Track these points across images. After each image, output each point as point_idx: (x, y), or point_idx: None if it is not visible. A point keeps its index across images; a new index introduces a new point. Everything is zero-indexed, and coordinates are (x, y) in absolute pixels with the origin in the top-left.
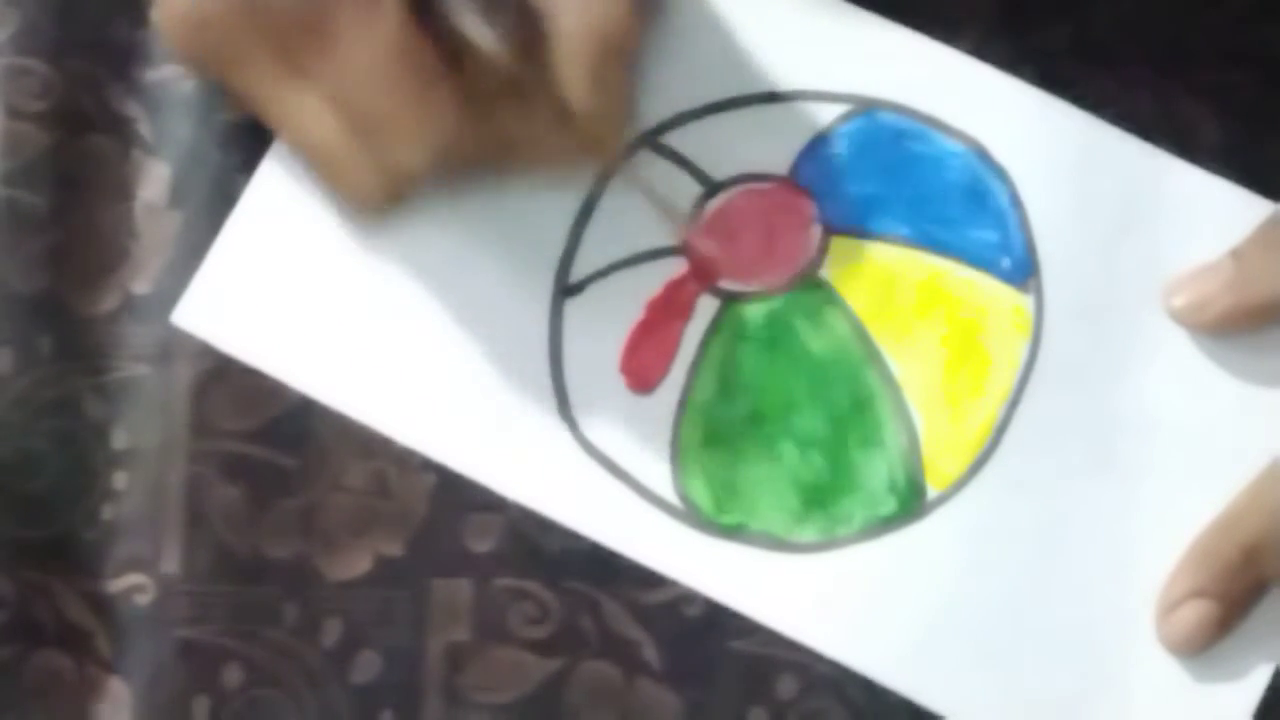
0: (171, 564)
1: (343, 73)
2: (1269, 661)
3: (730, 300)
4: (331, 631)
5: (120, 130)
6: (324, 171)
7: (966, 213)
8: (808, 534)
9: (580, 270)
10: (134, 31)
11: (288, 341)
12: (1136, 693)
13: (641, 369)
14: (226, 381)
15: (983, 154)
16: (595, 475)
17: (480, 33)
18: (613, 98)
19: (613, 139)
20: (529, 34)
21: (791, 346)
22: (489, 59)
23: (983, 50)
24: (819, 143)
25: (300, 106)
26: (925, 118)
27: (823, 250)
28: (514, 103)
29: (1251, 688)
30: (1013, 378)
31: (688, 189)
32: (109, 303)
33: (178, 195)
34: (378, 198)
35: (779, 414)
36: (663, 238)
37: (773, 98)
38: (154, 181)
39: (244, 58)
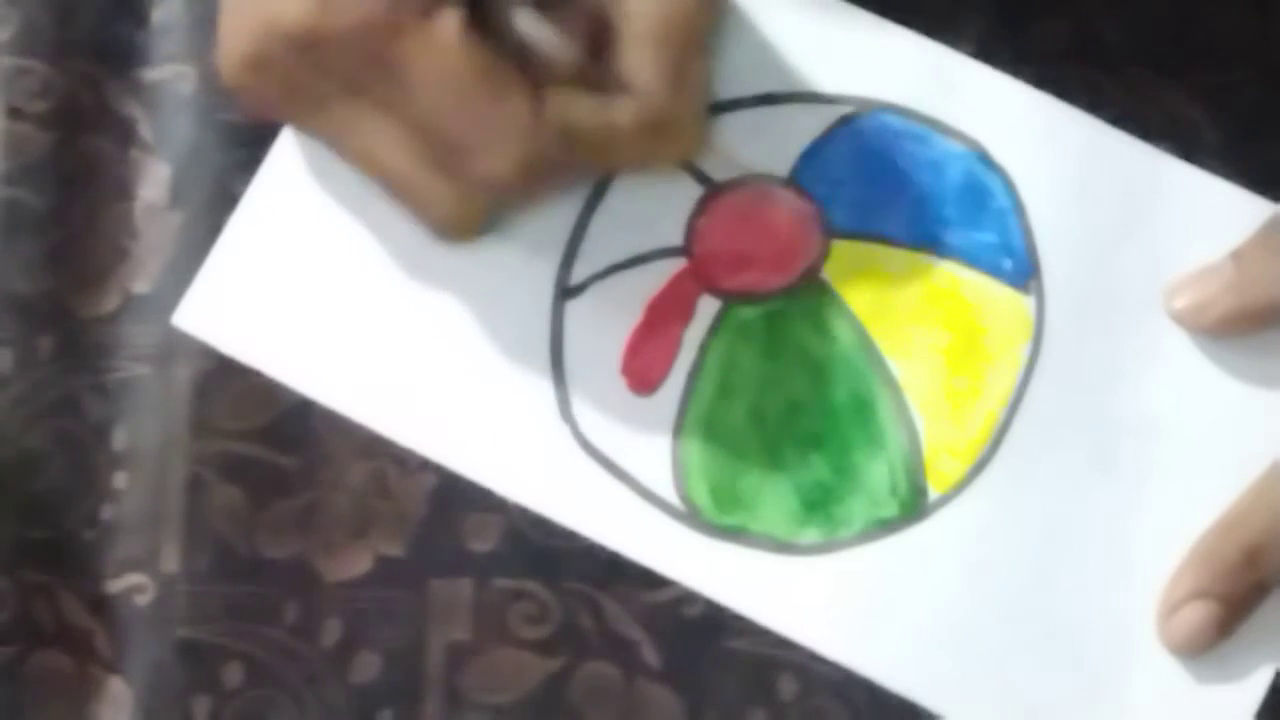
0: (171, 564)
1: (412, 97)
2: (1271, 662)
3: (731, 301)
4: (331, 631)
5: (120, 130)
6: (408, 200)
7: (967, 214)
8: (809, 536)
9: (581, 272)
10: (134, 31)
11: (289, 343)
12: (1138, 694)
13: (642, 370)
14: (226, 381)
15: (983, 155)
16: (596, 476)
17: (542, 35)
18: (688, 84)
19: (692, 129)
20: (594, 30)
21: (792, 348)
22: (556, 61)
23: (983, 51)
24: (820, 144)
25: (374, 137)
26: (926, 119)
27: (823, 252)
28: (589, 104)
29: (1253, 689)
30: (1014, 379)
31: (688, 190)
32: (109, 303)
33: (178, 195)
34: (466, 221)
35: (780, 415)
36: (663, 238)
37: (773, 99)
38: (154, 181)
39: (310, 95)
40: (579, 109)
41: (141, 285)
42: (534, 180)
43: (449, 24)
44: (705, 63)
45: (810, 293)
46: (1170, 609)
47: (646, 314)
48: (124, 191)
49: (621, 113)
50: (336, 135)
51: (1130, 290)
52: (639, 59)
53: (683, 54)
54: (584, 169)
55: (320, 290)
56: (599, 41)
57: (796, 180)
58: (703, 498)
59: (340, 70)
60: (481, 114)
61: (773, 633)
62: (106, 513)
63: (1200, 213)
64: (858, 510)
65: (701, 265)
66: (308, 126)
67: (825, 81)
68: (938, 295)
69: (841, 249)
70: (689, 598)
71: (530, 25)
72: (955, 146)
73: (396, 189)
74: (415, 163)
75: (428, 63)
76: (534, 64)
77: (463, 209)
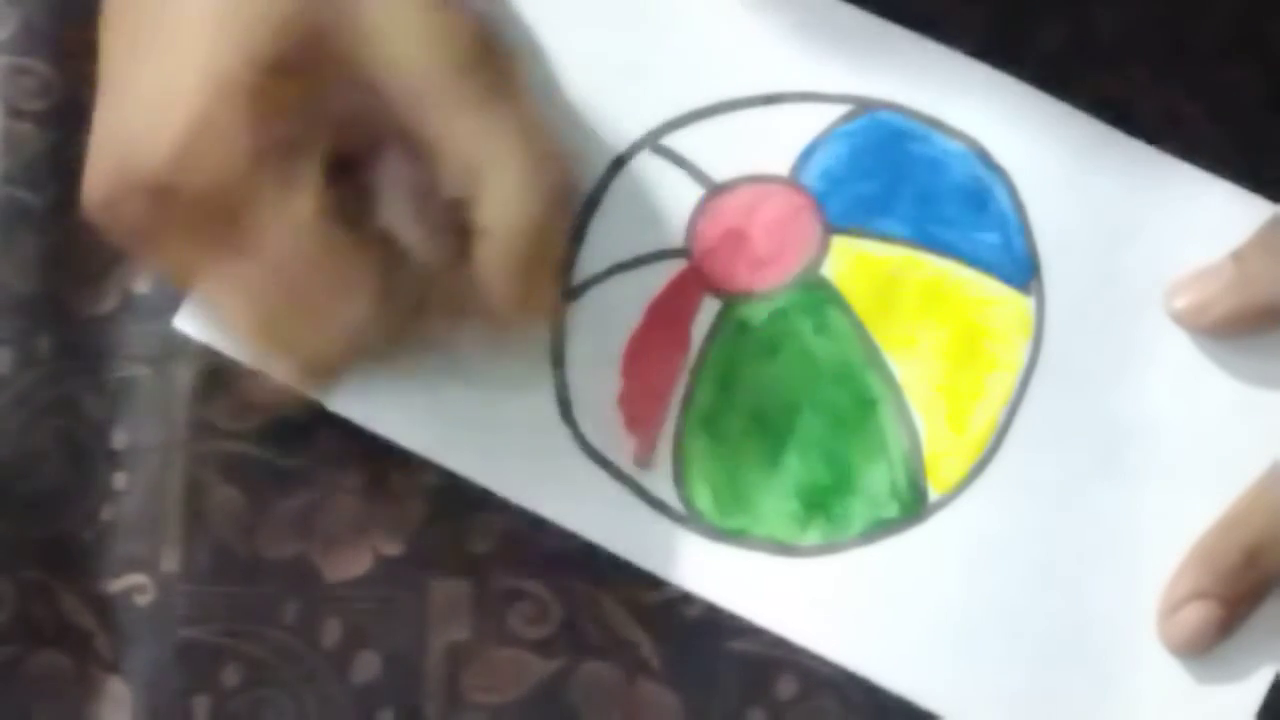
0: (171, 564)
1: (260, 256)
2: (1271, 663)
3: (731, 302)
4: (331, 631)
5: None
6: (265, 345)
7: (967, 214)
8: (810, 537)
9: (581, 273)
10: None
11: None
12: (1138, 694)
13: (644, 371)
14: (226, 382)
15: (983, 155)
16: (597, 479)
17: (409, 233)
18: (538, 289)
19: (531, 330)
20: (457, 227)
21: (793, 348)
22: (420, 259)
23: (983, 50)
24: (820, 144)
25: (223, 284)
26: (926, 118)
27: (824, 251)
28: (437, 288)
29: (1254, 689)
30: (1014, 380)
31: (688, 190)
32: (109, 303)
33: None
34: (306, 375)
35: (780, 416)
36: (664, 239)
37: (773, 99)
38: None
39: (162, 239)
40: (443, 253)
41: (141, 285)
42: (367, 351)
43: (306, 203)
44: (566, 213)
45: (811, 293)
46: (1170, 609)
47: (647, 315)
48: None
49: (485, 258)
50: (189, 280)
51: (1130, 290)
52: (489, 263)
53: (532, 261)
54: (451, 325)
55: None
56: (467, 188)
57: (796, 180)
58: (704, 500)
59: (194, 221)
60: (320, 285)
61: (773, 633)
62: (106, 513)
63: (1200, 213)
64: (858, 511)
65: (702, 266)
66: (160, 267)
67: (825, 81)
68: (938, 295)
69: (842, 249)
70: (689, 598)
71: (397, 216)
72: (955, 146)
73: (254, 337)
74: (271, 313)
75: (280, 232)
76: (403, 212)
77: (319, 360)
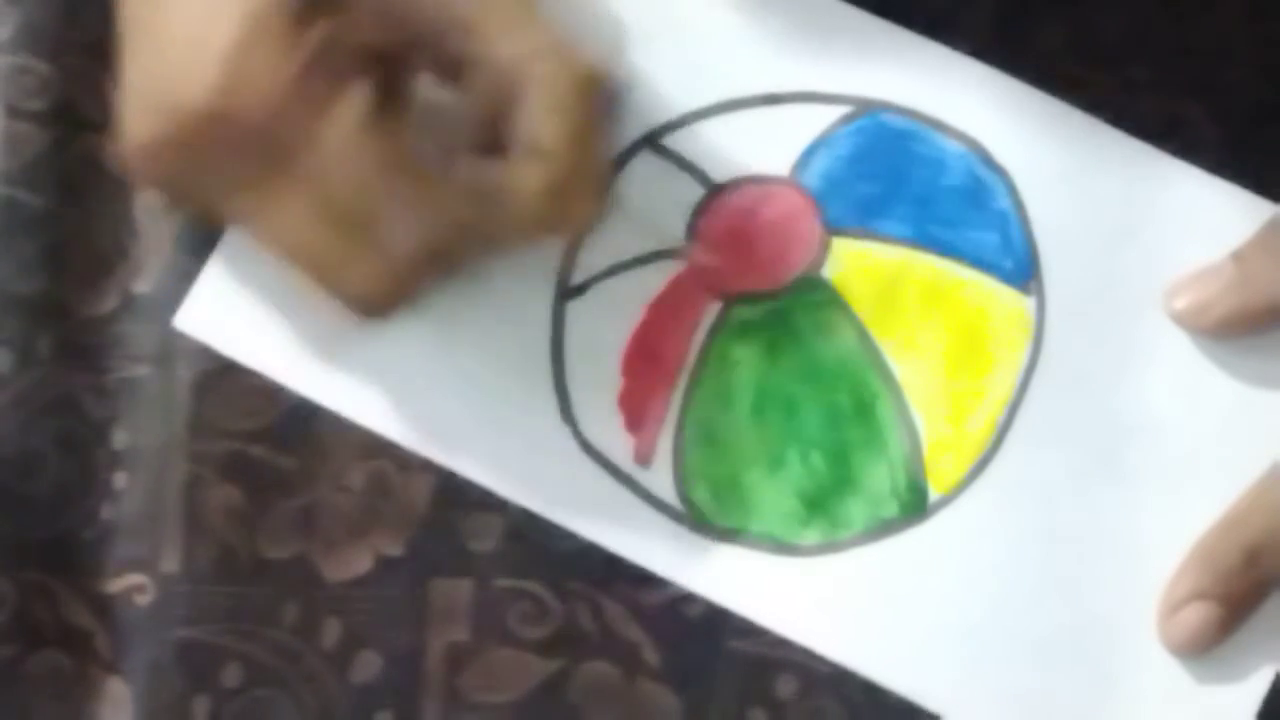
0: (171, 564)
1: (316, 174)
2: (1271, 663)
3: (732, 301)
4: (331, 631)
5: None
6: (320, 277)
7: (968, 214)
8: (810, 536)
9: (582, 272)
10: None
11: (290, 345)
12: (1138, 694)
13: (644, 371)
14: (226, 382)
15: (984, 155)
16: (597, 477)
17: (444, 100)
18: (589, 149)
19: (593, 192)
20: (499, 96)
21: (793, 348)
22: (459, 124)
23: (983, 51)
24: (820, 144)
25: (282, 216)
26: (926, 119)
27: (824, 252)
28: (493, 170)
29: (1254, 689)
30: (1014, 379)
31: (689, 190)
32: (109, 303)
33: None
34: (380, 297)
35: (780, 415)
36: (664, 239)
37: (774, 99)
38: None
39: (215, 177)
40: (484, 174)
41: (141, 285)
42: (441, 258)
43: (353, 108)
44: (606, 127)
45: (811, 293)
46: (1170, 609)
47: (647, 314)
48: (124, 191)
49: (525, 176)
50: (245, 218)
51: (1130, 290)
52: (541, 122)
53: (584, 118)
54: (492, 245)
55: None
56: (503, 107)
57: (797, 180)
58: (703, 499)
59: (244, 152)
60: (384, 190)
61: (773, 633)
62: (106, 513)
63: (1200, 213)
64: (858, 510)
65: (702, 265)
66: (215, 210)
67: (826, 81)
68: (938, 295)
69: (842, 249)
70: (689, 598)
71: (432, 90)
72: (955, 146)
73: (309, 267)
74: (323, 239)
75: (331, 145)
76: (440, 133)
77: (376, 286)
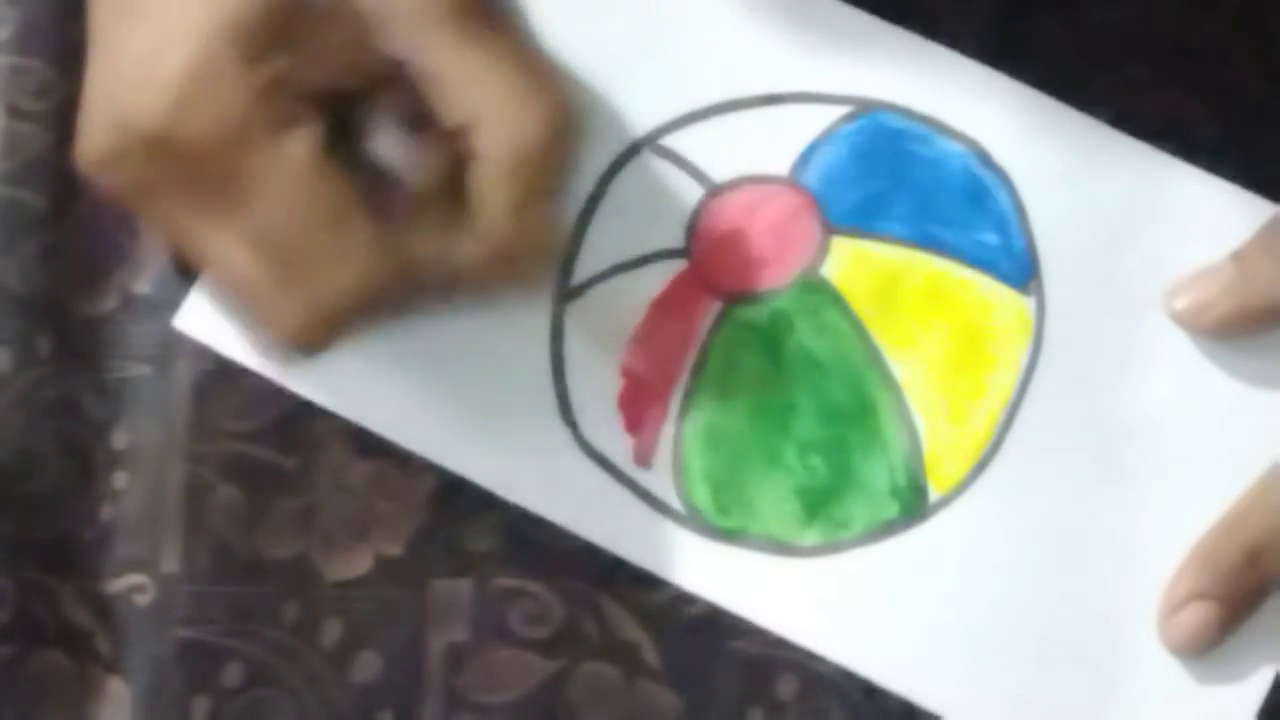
0: (171, 564)
1: (256, 207)
2: (1272, 663)
3: (732, 302)
4: (331, 631)
5: None
6: (248, 309)
7: (967, 214)
8: (810, 537)
9: (581, 273)
10: None
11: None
12: (1138, 694)
13: (644, 372)
14: (226, 382)
15: (983, 155)
16: (597, 479)
17: (400, 159)
18: (534, 218)
19: (535, 262)
20: (456, 156)
21: (793, 348)
22: (412, 185)
23: (983, 51)
24: (820, 144)
25: (219, 243)
26: (926, 119)
27: (824, 251)
28: (432, 239)
29: (1254, 689)
30: (1014, 380)
31: (689, 190)
32: (109, 303)
33: None
34: (305, 336)
35: (780, 416)
36: (664, 240)
37: (773, 99)
38: None
39: (159, 194)
40: (421, 244)
41: (141, 285)
42: (375, 305)
43: (302, 144)
44: (555, 199)
45: (811, 293)
46: (1171, 609)
47: (648, 315)
48: None
49: (464, 249)
50: (184, 237)
51: (1130, 291)
52: (487, 189)
53: (531, 188)
54: (430, 293)
55: None
56: (459, 168)
57: (797, 180)
58: (703, 500)
59: (189, 177)
60: (321, 232)
61: (773, 633)
62: (106, 513)
63: (1200, 213)
64: (858, 511)
65: (702, 266)
66: (157, 226)
67: (825, 81)
68: (938, 295)
69: (842, 249)
70: (689, 598)
71: (389, 148)
72: (955, 146)
73: (238, 298)
74: (255, 272)
75: (276, 179)
76: (390, 188)
77: (306, 325)
